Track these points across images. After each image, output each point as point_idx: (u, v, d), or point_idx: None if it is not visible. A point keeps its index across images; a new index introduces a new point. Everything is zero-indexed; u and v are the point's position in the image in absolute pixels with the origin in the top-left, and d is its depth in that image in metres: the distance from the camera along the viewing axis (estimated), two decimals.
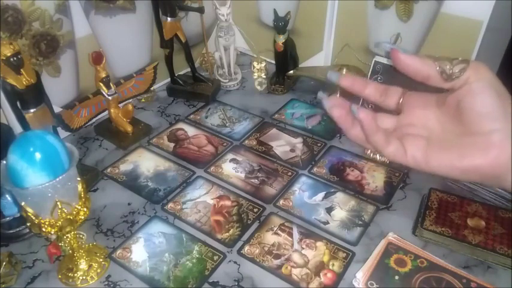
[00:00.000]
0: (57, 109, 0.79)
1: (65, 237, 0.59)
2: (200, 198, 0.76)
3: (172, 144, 0.89)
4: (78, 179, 0.56)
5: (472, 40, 0.82)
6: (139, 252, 0.66)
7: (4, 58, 0.62)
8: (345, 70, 0.95)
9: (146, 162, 0.84)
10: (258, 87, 1.07)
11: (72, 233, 0.59)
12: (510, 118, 0.32)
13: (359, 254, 0.65)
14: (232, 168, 0.82)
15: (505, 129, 0.32)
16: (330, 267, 0.63)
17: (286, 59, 1.03)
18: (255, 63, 1.10)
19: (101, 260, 0.65)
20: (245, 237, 0.69)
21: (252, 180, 0.79)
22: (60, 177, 0.52)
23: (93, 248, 0.66)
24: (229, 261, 0.65)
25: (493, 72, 0.33)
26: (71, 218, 0.56)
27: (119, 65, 0.96)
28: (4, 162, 0.52)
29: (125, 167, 0.83)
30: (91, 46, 0.86)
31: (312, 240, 0.68)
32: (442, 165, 0.34)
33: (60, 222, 0.55)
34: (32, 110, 0.68)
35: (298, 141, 0.89)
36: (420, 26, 0.88)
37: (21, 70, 0.65)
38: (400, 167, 0.81)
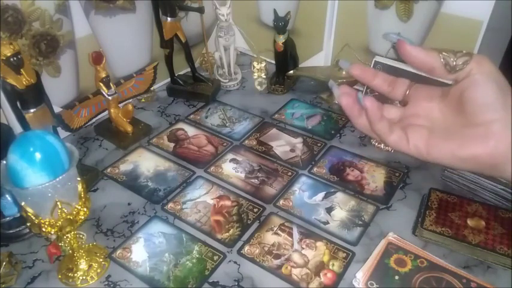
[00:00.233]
0: (57, 109, 0.79)
1: (65, 237, 0.59)
2: (200, 198, 0.76)
3: (172, 144, 0.89)
4: (78, 179, 0.56)
5: (472, 40, 0.82)
6: (139, 252, 0.66)
7: (4, 58, 0.62)
8: (344, 70, 0.95)
9: (146, 162, 0.84)
10: (258, 87, 1.07)
11: (72, 233, 0.59)
12: (510, 109, 0.33)
13: (359, 254, 0.65)
14: (232, 168, 0.82)
15: (505, 119, 0.32)
16: (330, 267, 0.63)
17: (286, 59, 1.03)
18: (255, 63, 1.10)
19: (101, 260, 0.65)
20: (245, 237, 0.69)
21: (252, 180, 0.79)
22: (60, 177, 0.52)
23: (93, 248, 0.66)
24: (229, 261, 0.65)
25: (495, 65, 0.34)
26: (71, 218, 0.56)
27: (119, 65, 0.96)
28: (4, 162, 0.52)
29: (125, 167, 0.83)
30: (91, 46, 0.86)
31: (312, 240, 0.68)
32: (443, 154, 0.35)
33: (60, 222, 0.55)
34: (32, 110, 0.68)
35: (298, 141, 0.89)
36: (420, 26, 0.88)
37: (21, 70, 0.65)
38: (400, 166, 0.82)
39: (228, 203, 0.75)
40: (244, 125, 0.94)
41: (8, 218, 0.68)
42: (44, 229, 0.55)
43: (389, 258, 0.63)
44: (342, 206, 0.74)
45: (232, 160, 0.84)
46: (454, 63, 0.34)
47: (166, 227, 0.70)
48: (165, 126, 0.94)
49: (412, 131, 0.37)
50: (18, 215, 0.67)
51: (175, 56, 1.00)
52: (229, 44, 1.03)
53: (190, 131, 0.93)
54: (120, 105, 0.89)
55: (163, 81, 1.07)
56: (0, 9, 0.71)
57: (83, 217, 0.57)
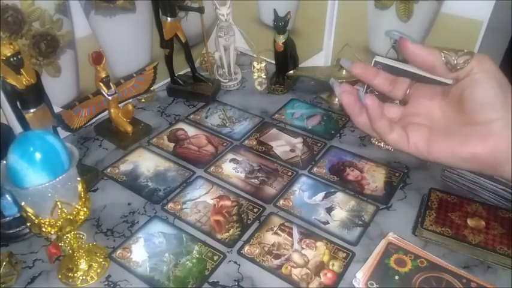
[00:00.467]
0: (57, 109, 0.79)
1: (65, 237, 0.59)
2: (200, 198, 0.76)
3: (172, 144, 0.89)
4: (78, 179, 0.56)
5: (472, 40, 0.82)
6: (139, 252, 0.66)
7: (4, 58, 0.62)
8: (344, 70, 0.95)
9: (146, 162, 0.84)
10: (258, 87, 1.07)
11: (72, 233, 0.59)
12: (510, 109, 0.33)
13: (359, 254, 0.65)
14: (232, 168, 0.82)
15: (505, 119, 0.32)
16: (330, 267, 0.63)
17: (286, 59, 1.03)
18: (255, 63, 1.10)
19: (101, 260, 0.65)
20: (245, 237, 0.68)
21: (252, 180, 0.79)
22: (60, 177, 0.52)
23: (93, 248, 0.66)
24: (229, 261, 0.65)
25: (496, 64, 0.34)
26: (71, 218, 0.56)
27: (119, 65, 0.96)
28: (4, 162, 0.52)
29: (125, 167, 0.83)
30: (91, 46, 0.86)
31: (312, 240, 0.68)
32: (443, 153, 0.35)
33: (60, 222, 0.55)
34: (32, 110, 0.68)
35: (298, 141, 0.89)
36: (420, 26, 0.88)
37: (21, 70, 0.65)
38: (400, 166, 0.82)
39: (228, 203, 0.75)
40: (244, 125, 0.94)
41: (8, 218, 0.68)
42: (44, 229, 0.55)
43: (389, 258, 0.63)
44: (342, 206, 0.74)
45: (232, 160, 0.84)
46: (455, 61, 0.34)
47: (166, 227, 0.70)
48: (165, 126, 0.94)
49: (412, 130, 0.37)
50: (18, 215, 0.67)
51: (175, 56, 1.00)
52: (229, 44, 1.03)
53: (190, 131, 0.93)
54: (120, 105, 0.89)
55: (163, 81, 1.07)
56: (0, 9, 0.71)
57: (83, 217, 0.57)
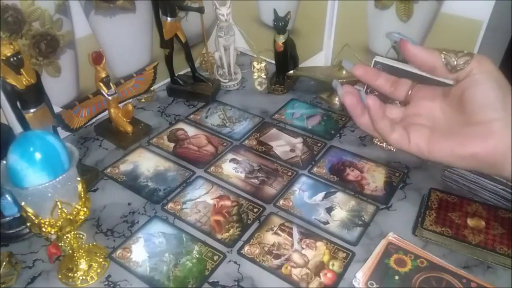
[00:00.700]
0: (57, 109, 0.79)
1: (65, 237, 0.59)
2: (200, 198, 0.76)
3: (172, 144, 0.89)
4: (78, 179, 0.56)
5: (472, 40, 0.82)
6: (139, 252, 0.66)
7: (4, 58, 0.62)
8: (344, 70, 0.95)
9: (146, 162, 0.84)
10: (258, 87, 1.07)
11: (72, 233, 0.59)
12: (510, 109, 0.33)
13: (359, 254, 0.65)
14: (232, 168, 0.82)
15: (505, 119, 0.33)
16: (330, 267, 0.63)
17: (286, 59, 1.03)
18: (255, 63, 1.10)
19: (101, 260, 0.65)
20: (245, 237, 0.68)
21: (252, 180, 0.79)
22: (60, 177, 0.52)
23: (93, 248, 0.66)
24: (229, 261, 0.65)
25: (496, 65, 0.35)
26: (71, 218, 0.56)
27: (119, 65, 0.96)
28: (4, 162, 0.52)
29: (125, 167, 0.83)
30: (91, 46, 0.86)
31: (312, 240, 0.68)
32: (443, 153, 0.36)
33: (60, 222, 0.55)
34: (32, 110, 0.68)
35: (298, 141, 0.89)
36: (420, 26, 0.88)
37: (21, 70, 0.65)
38: (400, 166, 0.82)
39: (228, 203, 0.75)
40: (244, 125, 0.94)
41: (8, 218, 0.68)
42: (44, 229, 0.55)
43: (389, 258, 0.63)
44: (342, 206, 0.74)
45: (232, 160, 0.84)
46: (455, 62, 0.35)
47: (166, 227, 0.70)
48: (165, 126, 0.94)
49: (413, 130, 0.37)
50: (18, 215, 0.67)
51: (175, 56, 1.00)
52: (229, 44, 1.03)
53: (190, 131, 0.93)
54: (120, 105, 0.89)
55: (163, 81, 1.07)
56: (0, 9, 0.71)
57: (83, 217, 0.57)
